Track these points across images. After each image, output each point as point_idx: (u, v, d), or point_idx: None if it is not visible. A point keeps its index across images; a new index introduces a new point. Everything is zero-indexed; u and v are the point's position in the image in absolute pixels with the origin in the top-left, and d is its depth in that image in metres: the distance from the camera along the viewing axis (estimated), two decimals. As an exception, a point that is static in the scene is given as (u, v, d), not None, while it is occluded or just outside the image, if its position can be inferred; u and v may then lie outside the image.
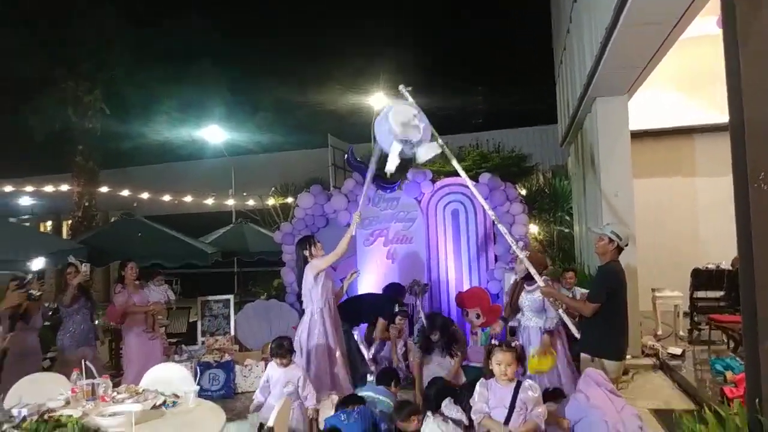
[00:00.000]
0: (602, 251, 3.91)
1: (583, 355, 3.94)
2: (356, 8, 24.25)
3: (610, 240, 3.83)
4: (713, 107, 8.35)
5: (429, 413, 3.65)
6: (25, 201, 21.15)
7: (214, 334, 7.48)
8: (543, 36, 13.54)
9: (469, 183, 4.72)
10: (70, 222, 14.72)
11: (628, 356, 4.86)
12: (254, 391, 6.36)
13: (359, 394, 4.17)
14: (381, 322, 6.28)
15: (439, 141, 4.55)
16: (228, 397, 6.12)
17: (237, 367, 6.37)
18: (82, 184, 13.59)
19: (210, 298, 7.62)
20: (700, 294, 7.73)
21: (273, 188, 15.85)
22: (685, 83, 7.73)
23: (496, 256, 7.66)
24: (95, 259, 7.41)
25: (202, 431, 2.70)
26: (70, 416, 2.83)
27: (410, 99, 4.48)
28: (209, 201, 15.98)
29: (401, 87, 4.54)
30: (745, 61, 2.66)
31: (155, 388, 3.64)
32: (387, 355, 6.32)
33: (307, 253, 4.96)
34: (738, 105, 2.71)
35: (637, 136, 7.52)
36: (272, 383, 4.14)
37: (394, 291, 6.66)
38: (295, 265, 5.29)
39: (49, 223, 21.50)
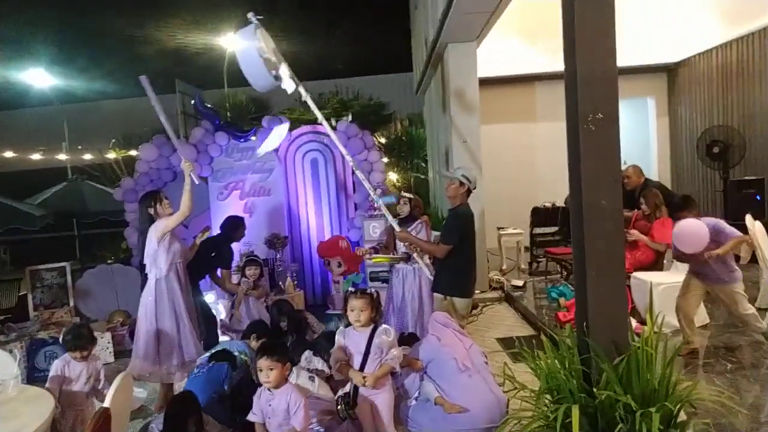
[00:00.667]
0: (453, 194, 4.02)
1: (435, 294, 4.11)
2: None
3: (461, 183, 3.96)
4: (553, 56, 9.00)
5: (293, 368, 3.61)
6: None
7: (49, 306, 6.67)
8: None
9: (329, 131, 4.56)
10: None
11: (477, 291, 5.18)
12: (101, 365, 5.94)
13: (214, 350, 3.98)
14: (224, 272, 5.62)
15: (297, 80, 4.27)
16: (70, 373, 5.53)
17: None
18: None
19: (41, 267, 6.73)
20: (539, 230, 8.53)
21: (113, 140, 14.29)
22: (529, 34, 8.17)
23: (355, 205, 7.71)
24: None
25: (18, 425, 2.35)
26: None
27: (261, 29, 4.05)
28: (35, 156, 14.00)
29: (250, 15, 4.04)
30: (579, 16, 2.81)
31: (-33, 376, 3.13)
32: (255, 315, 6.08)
33: (152, 211, 4.46)
34: (572, 55, 2.87)
35: (485, 83, 7.86)
36: (72, 381, 3.40)
37: (228, 228, 5.52)
38: (139, 225, 4.68)
39: None
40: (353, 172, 7.60)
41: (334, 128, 7.54)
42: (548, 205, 8.50)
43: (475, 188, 4.04)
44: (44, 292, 6.75)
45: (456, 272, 3.92)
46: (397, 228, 4.28)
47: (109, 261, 9.36)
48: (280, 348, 3.12)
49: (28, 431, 2.29)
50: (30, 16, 14.74)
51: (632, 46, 8.55)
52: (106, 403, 2.38)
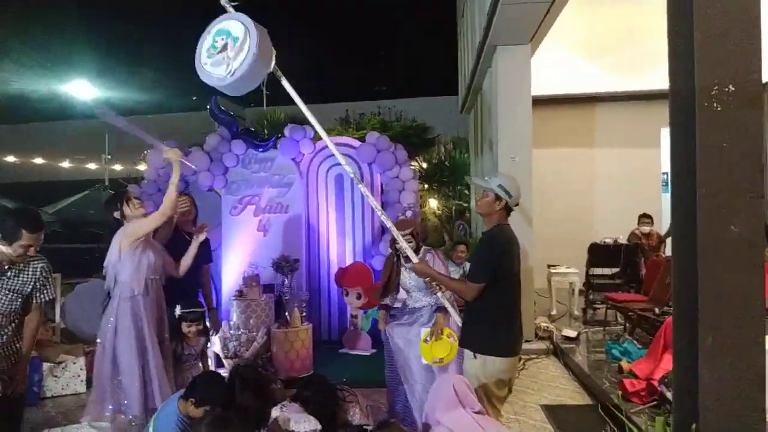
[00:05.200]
0: (486, 210, 2.90)
1: (465, 351, 2.99)
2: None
3: (497, 197, 2.93)
4: (616, 74, 7.89)
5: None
6: None
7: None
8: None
9: (327, 140, 3.59)
10: None
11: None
12: (67, 396, 5.08)
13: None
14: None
15: (279, 73, 3.33)
16: (32, 404, 4.70)
17: (46, 366, 4.96)
18: None
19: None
20: (597, 271, 7.30)
21: (144, 152, 13.93)
22: (589, 47, 7.15)
23: (383, 229, 6.72)
24: None
25: None
26: None
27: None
28: (65, 164, 13.76)
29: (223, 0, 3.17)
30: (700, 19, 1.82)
31: None
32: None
33: (117, 214, 3.63)
34: (683, 70, 1.86)
35: (537, 102, 6.83)
36: None
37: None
38: (109, 233, 3.82)
39: None
40: (382, 191, 6.66)
41: (363, 141, 6.68)
42: (609, 241, 7.27)
43: (516, 205, 2.96)
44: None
45: (492, 321, 2.83)
46: (414, 258, 3.24)
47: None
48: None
49: None
50: (71, 29, 14.79)
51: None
52: None
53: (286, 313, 5.59)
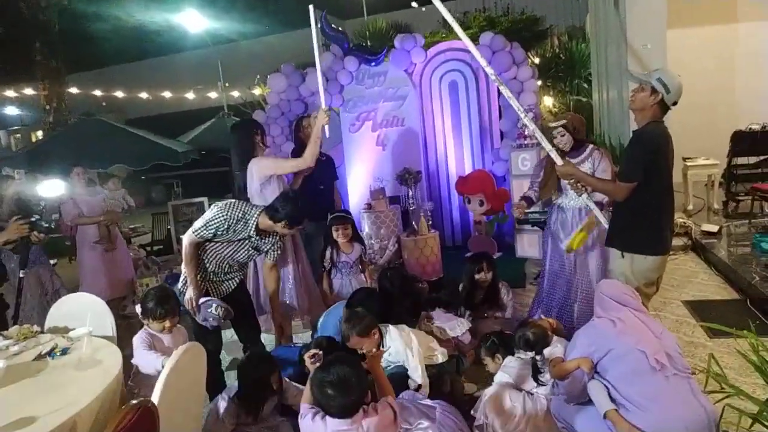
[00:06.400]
0: (640, 106, 2.74)
1: (611, 250, 2.98)
2: None
3: (653, 91, 2.71)
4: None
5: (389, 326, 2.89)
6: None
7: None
8: None
9: (466, 39, 3.45)
10: (41, 131, 13.60)
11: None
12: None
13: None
14: None
15: None
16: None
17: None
18: (48, 86, 12.34)
19: (180, 202, 6.79)
20: (740, 161, 6.68)
21: (257, 76, 14.47)
22: None
23: (501, 133, 6.61)
24: (42, 165, 6.53)
25: (67, 394, 1.92)
26: None
27: None
28: (190, 95, 14.70)
29: None
30: None
31: (65, 325, 2.89)
32: None
33: (258, 139, 3.89)
34: None
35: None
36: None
37: None
38: (236, 154, 3.93)
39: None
40: (499, 94, 6.47)
41: (476, 43, 6.43)
42: (756, 127, 6.55)
43: (675, 104, 2.77)
44: (185, 226, 6.82)
45: (642, 219, 2.77)
46: (558, 161, 3.18)
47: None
48: None
49: (73, 410, 1.84)
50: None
51: None
52: (155, 394, 1.85)
53: (414, 223, 5.83)
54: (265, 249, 3.19)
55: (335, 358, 2.15)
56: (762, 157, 6.64)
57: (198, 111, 15.42)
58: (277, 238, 3.20)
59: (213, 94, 14.53)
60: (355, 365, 2.10)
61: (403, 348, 2.80)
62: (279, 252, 3.29)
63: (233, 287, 3.24)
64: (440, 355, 3.04)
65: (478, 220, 6.32)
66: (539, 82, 11.93)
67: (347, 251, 3.97)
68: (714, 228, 5.74)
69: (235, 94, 14.77)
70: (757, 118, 6.83)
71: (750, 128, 6.57)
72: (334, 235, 3.92)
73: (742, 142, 6.52)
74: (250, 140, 3.81)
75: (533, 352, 2.70)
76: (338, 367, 2.04)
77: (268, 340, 3.87)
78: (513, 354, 2.86)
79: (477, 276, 3.81)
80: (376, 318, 2.84)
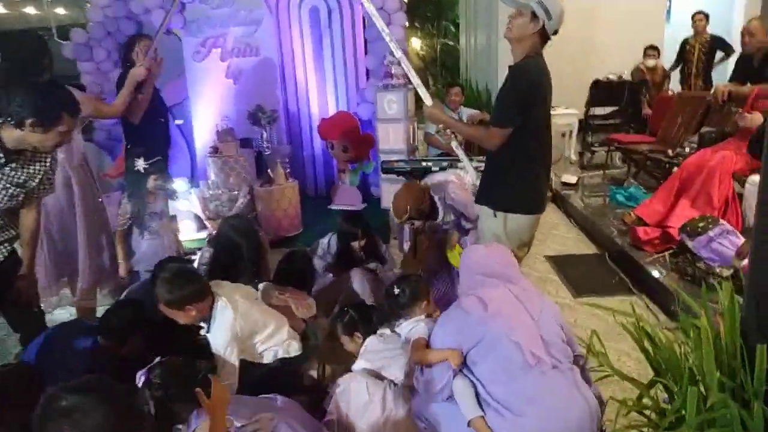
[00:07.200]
0: (518, 35, 2.32)
1: (482, 208, 2.61)
2: None
3: (533, 16, 2.28)
4: None
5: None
6: None
7: None
8: None
9: None
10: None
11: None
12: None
13: None
14: None
15: None
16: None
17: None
18: None
19: None
20: (597, 111, 6.83)
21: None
22: None
23: (368, 71, 6.01)
24: None
25: None
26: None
27: None
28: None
29: None
30: None
31: None
32: None
33: None
34: None
35: None
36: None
37: None
38: None
39: None
40: (364, 26, 5.84)
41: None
42: (613, 77, 6.69)
43: (555, 33, 2.37)
44: None
45: (517, 173, 2.39)
46: (428, 100, 2.67)
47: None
48: None
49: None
50: None
51: None
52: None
53: (269, 170, 5.13)
54: (32, 183, 2.26)
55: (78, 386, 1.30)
56: (614, 109, 6.85)
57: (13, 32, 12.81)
58: (45, 162, 2.28)
59: (31, 10, 12.06)
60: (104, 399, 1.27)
61: (227, 339, 2.20)
62: (50, 186, 2.39)
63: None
64: (295, 343, 2.51)
65: (342, 168, 5.78)
66: (406, 23, 11.51)
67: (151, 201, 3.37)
68: (573, 179, 5.78)
69: (61, 11, 12.39)
70: (616, 69, 6.98)
71: (607, 78, 6.69)
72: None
73: (600, 91, 6.63)
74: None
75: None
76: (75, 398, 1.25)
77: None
78: (375, 332, 2.42)
79: (352, 243, 3.38)
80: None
